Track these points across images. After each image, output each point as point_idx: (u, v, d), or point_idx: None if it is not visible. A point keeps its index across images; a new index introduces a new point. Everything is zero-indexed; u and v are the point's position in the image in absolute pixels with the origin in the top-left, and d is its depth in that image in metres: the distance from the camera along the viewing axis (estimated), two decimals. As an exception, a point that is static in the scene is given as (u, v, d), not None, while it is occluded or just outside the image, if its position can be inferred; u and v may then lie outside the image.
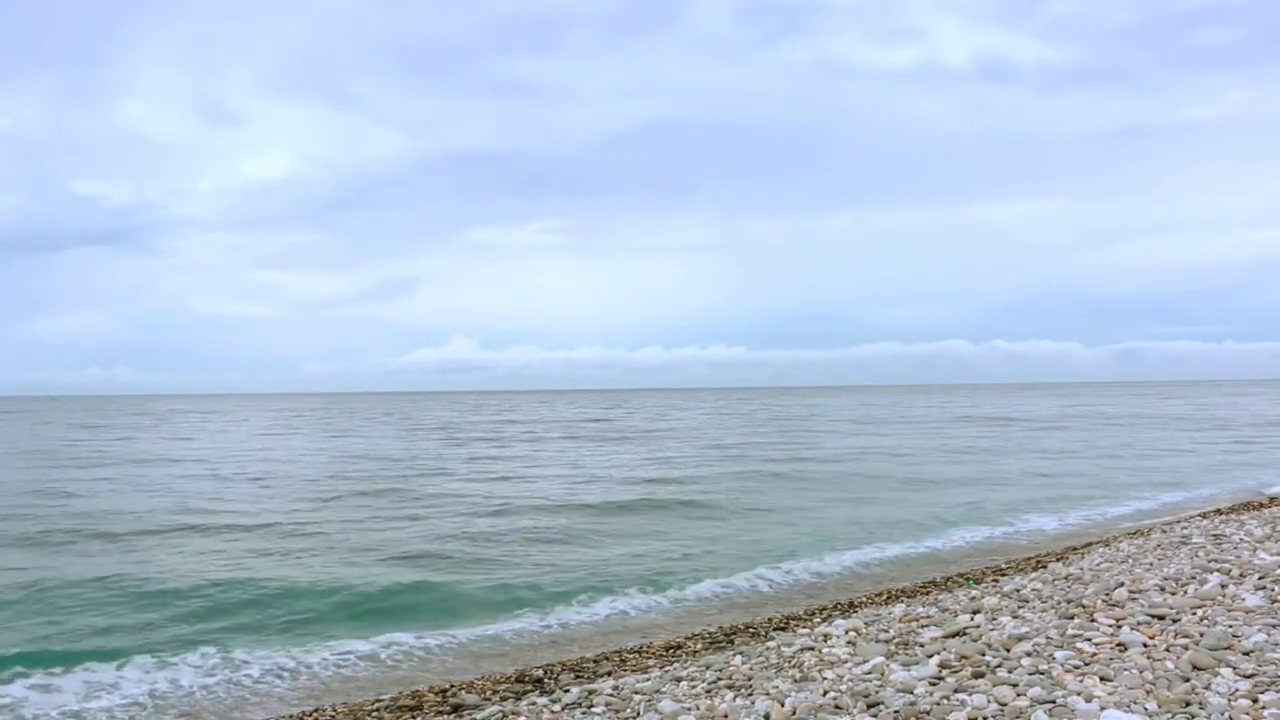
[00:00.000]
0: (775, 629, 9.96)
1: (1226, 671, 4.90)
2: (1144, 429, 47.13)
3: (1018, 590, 8.70)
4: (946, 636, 6.80)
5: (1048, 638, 6.03)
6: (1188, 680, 4.84)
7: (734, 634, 9.96)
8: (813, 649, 7.25)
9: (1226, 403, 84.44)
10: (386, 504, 21.34)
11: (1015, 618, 7.05)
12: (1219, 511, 17.23)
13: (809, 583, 13.07)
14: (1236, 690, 4.63)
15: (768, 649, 7.74)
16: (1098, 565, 9.79)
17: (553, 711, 6.74)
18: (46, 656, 9.68)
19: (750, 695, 6.01)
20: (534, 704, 7.10)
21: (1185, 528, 13.34)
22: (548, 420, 68.70)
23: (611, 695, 6.85)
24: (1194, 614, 6.28)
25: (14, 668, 9.20)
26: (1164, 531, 13.34)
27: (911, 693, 5.21)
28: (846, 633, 7.75)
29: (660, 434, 43.75)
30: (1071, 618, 6.66)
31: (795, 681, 6.18)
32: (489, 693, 8.09)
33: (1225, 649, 5.31)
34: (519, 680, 8.50)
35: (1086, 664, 5.31)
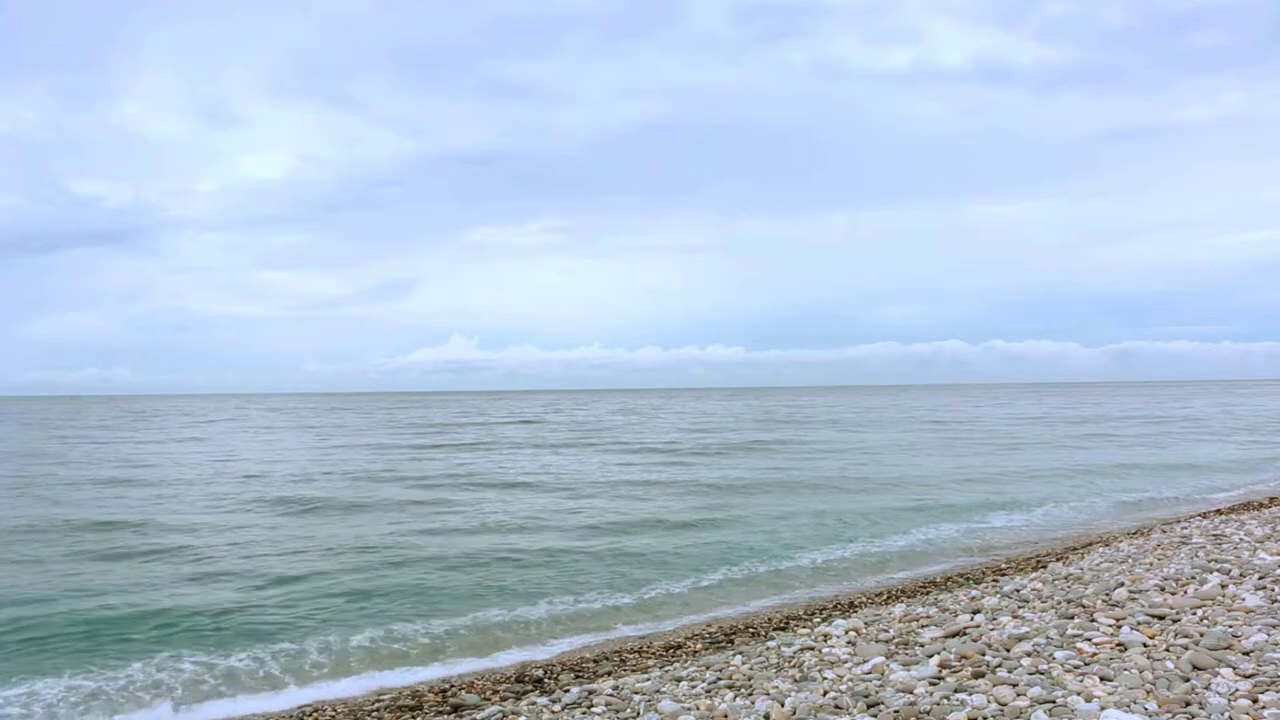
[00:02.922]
0: (775, 629, 9.96)
1: (1226, 671, 4.90)
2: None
3: (1018, 590, 8.70)
4: (946, 636, 6.80)
5: (1048, 638, 6.03)
6: (1188, 680, 4.84)
7: (734, 634, 9.96)
8: (813, 649, 7.26)
9: (1246, 403, 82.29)
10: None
11: (1015, 618, 7.05)
12: (1219, 511, 17.23)
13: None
14: (1236, 690, 4.63)
15: (768, 649, 7.74)
16: (1098, 565, 9.79)
17: (553, 711, 6.74)
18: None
19: (750, 695, 6.01)
20: (534, 704, 7.11)
21: (1185, 528, 13.34)
22: (530, 421, 66.99)
23: (611, 695, 6.85)
24: (1194, 614, 6.29)
25: None
26: (1164, 531, 13.34)
27: (911, 693, 5.21)
28: (846, 633, 7.76)
29: (639, 445, 40.63)
30: (1071, 618, 6.66)
31: (795, 681, 6.19)
32: (489, 692, 8.09)
33: (1225, 649, 5.31)
34: (519, 680, 8.50)
35: (1086, 664, 5.32)
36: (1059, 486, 23.27)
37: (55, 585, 13.19)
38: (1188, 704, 4.50)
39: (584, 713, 6.51)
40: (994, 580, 11.18)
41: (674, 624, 10.96)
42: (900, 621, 7.98)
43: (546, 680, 8.40)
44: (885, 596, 11.54)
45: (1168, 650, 5.42)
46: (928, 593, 11.16)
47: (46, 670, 9.31)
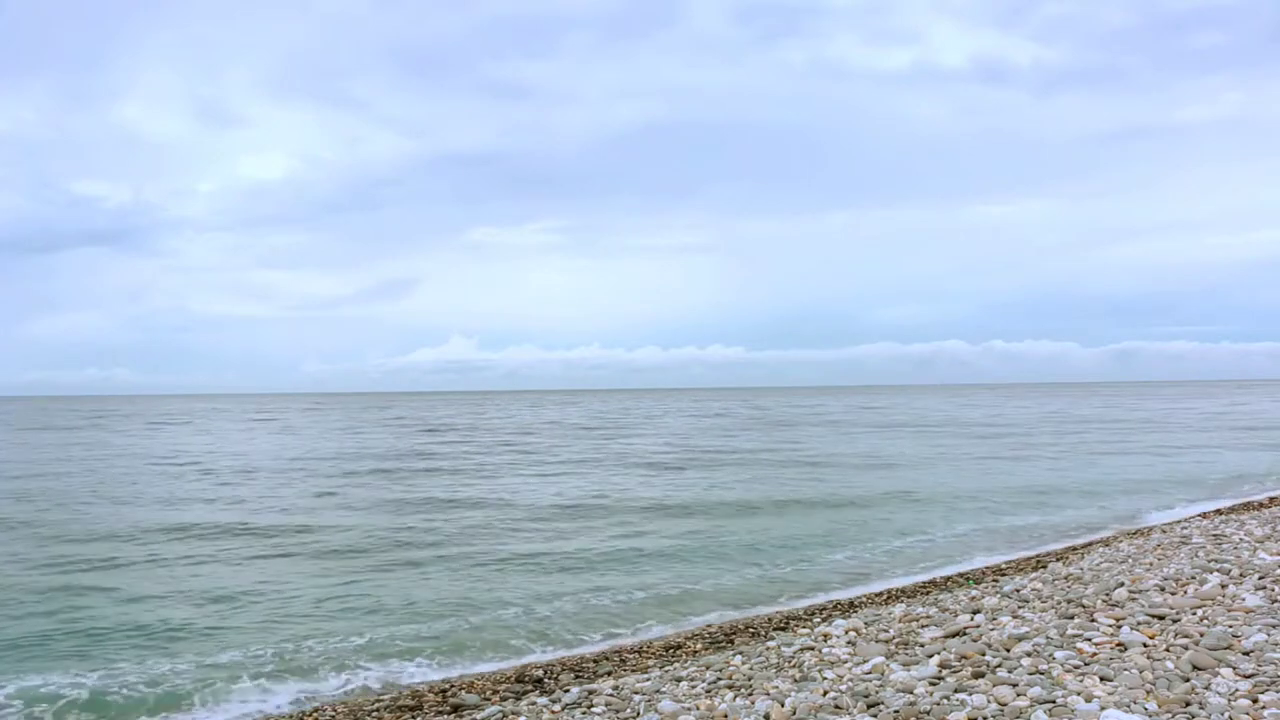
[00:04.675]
0: (775, 629, 9.97)
1: (1226, 671, 4.90)
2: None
3: (1018, 590, 8.71)
4: (946, 636, 6.81)
5: (1048, 638, 6.03)
6: (1188, 680, 4.84)
7: (734, 634, 9.96)
8: (813, 649, 7.26)
9: (1252, 404, 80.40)
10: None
11: (1015, 618, 7.05)
12: (1219, 511, 17.24)
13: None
14: (1236, 690, 4.63)
15: (768, 649, 7.74)
16: (1098, 565, 9.80)
17: (553, 711, 6.74)
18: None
19: (750, 695, 6.01)
20: (534, 704, 7.11)
21: (1185, 528, 13.34)
22: (518, 424, 64.71)
23: (611, 695, 6.85)
24: (1194, 614, 6.29)
25: None
26: (1164, 532, 13.34)
27: (911, 693, 5.21)
28: (846, 633, 7.76)
29: (626, 452, 36.91)
30: (1071, 618, 6.66)
31: (795, 681, 6.19)
32: (489, 693, 8.10)
33: (1225, 649, 5.32)
34: (519, 680, 8.51)
35: (1086, 664, 5.32)
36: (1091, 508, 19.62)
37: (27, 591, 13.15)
38: (1188, 704, 4.50)
39: (584, 713, 6.51)
40: (994, 580, 11.17)
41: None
42: (900, 621, 7.98)
43: (546, 680, 8.40)
44: (885, 596, 11.54)
45: (1168, 650, 5.42)
46: (928, 593, 11.16)
47: (42, 672, 9.31)
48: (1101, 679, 4.97)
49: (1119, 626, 6.10)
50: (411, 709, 7.89)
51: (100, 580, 13.63)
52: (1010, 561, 13.72)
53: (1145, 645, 5.59)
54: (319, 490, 24.65)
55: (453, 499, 22.74)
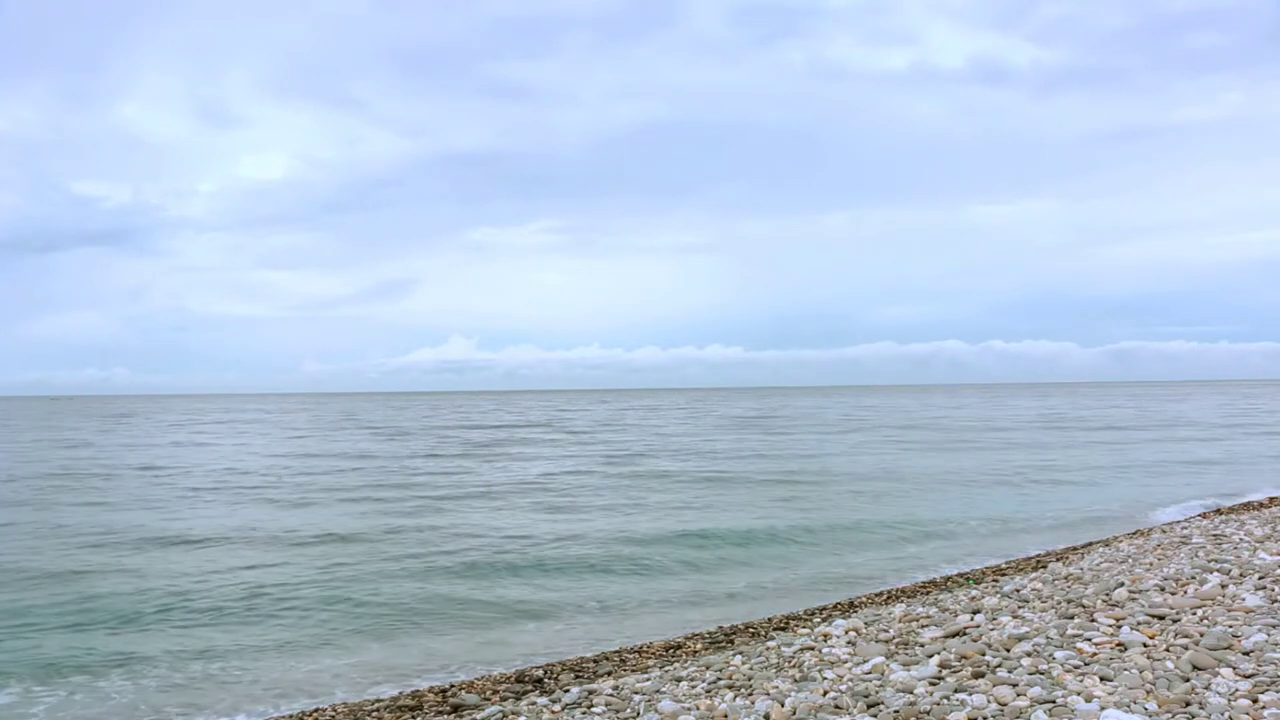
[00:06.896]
0: (775, 629, 9.97)
1: (1226, 671, 4.90)
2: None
3: (1018, 590, 8.71)
4: (946, 636, 6.81)
5: (1048, 638, 6.03)
6: (1188, 680, 4.84)
7: (734, 634, 9.96)
8: (813, 649, 7.26)
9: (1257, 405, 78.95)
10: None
11: (1015, 618, 7.05)
12: (1219, 511, 17.24)
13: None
14: (1236, 690, 4.63)
15: (768, 649, 7.74)
16: (1098, 565, 9.80)
17: (553, 711, 6.74)
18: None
19: (750, 695, 6.01)
20: (534, 704, 7.11)
21: (1185, 528, 13.35)
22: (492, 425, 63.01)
23: (611, 695, 6.85)
24: (1194, 614, 6.29)
25: None
26: (1164, 531, 13.35)
27: (911, 693, 5.21)
28: (846, 633, 7.76)
29: (610, 458, 34.82)
30: (1071, 618, 6.66)
31: (795, 681, 6.19)
32: (489, 693, 8.10)
33: (1225, 649, 5.32)
34: (519, 680, 8.51)
35: (1086, 664, 5.32)
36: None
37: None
38: (1188, 704, 4.50)
39: (584, 713, 6.51)
40: (994, 580, 11.18)
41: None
42: (900, 621, 7.98)
43: (546, 680, 8.40)
44: (885, 597, 11.54)
45: (1168, 650, 5.42)
46: (928, 593, 11.16)
47: (42, 678, 9.26)
48: (1101, 679, 4.98)
49: (1119, 626, 6.10)
50: (412, 709, 7.89)
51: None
52: (1010, 562, 13.73)
53: (1145, 645, 5.59)
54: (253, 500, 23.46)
55: (426, 513, 20.64)
